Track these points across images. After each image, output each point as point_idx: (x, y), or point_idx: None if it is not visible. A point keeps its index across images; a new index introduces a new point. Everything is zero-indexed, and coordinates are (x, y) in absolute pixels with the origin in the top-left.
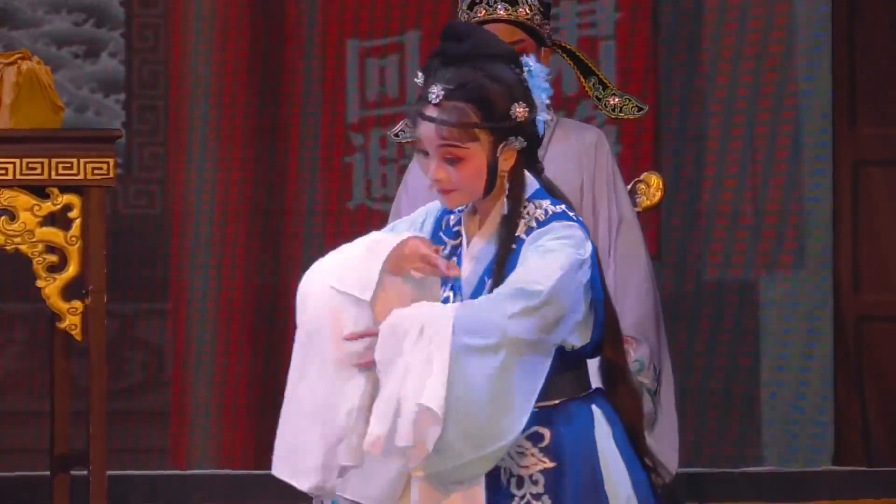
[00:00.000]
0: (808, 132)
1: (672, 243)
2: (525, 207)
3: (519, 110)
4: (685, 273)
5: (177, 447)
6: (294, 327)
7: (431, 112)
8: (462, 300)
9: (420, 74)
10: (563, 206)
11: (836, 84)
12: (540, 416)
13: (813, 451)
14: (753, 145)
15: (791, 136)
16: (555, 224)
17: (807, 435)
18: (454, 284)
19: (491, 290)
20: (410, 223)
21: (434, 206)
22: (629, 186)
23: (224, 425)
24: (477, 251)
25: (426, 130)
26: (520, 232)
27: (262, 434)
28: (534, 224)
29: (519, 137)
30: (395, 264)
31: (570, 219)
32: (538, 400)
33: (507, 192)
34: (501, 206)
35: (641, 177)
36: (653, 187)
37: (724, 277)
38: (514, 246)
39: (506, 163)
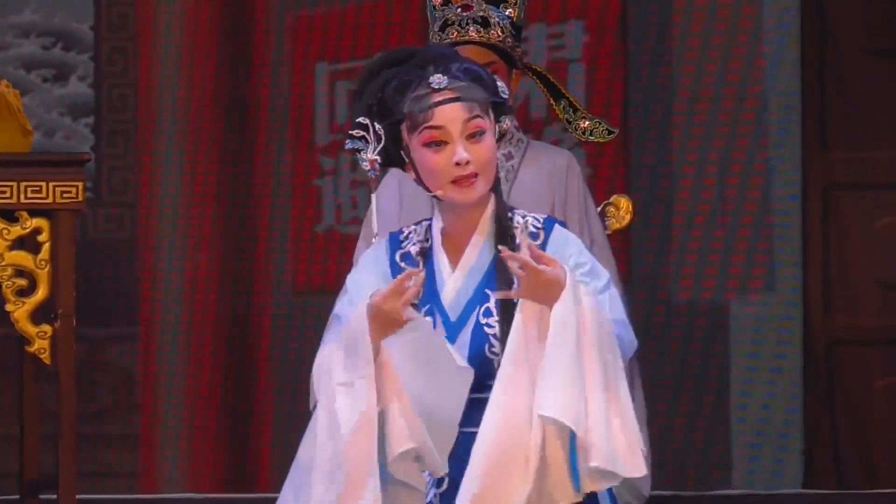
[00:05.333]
0: (779, 155)
1: (642, 266)
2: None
3: (504, 88)
4: (655, 296)
5: (147, 471)
6: (262, 349)
7: (447, 95)
8: (445, 319)
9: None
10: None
11: (806, 107)
12: None
13: (783, 474)
14: (722, 168)
15: (761, 160)
16: (573, 238)
17: (777, 458)
18: (432, 305)
19: (498, 301)
20: (370, 274)
21: (376, 251)
22: (599, 209)
23: (194, 449)
24: (469, 265)
25: (449, 113)
26: (520, 241)
27: (232, 458)
28: (532, 230)
29: (508, 117)
30: (382, 331)
31: (563, 224)
32: None
33: (492, 185)
34: (487, 216)
35: (611, 199)
36: (622, 210)
37: (694, 300)
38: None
39: (497, 150)
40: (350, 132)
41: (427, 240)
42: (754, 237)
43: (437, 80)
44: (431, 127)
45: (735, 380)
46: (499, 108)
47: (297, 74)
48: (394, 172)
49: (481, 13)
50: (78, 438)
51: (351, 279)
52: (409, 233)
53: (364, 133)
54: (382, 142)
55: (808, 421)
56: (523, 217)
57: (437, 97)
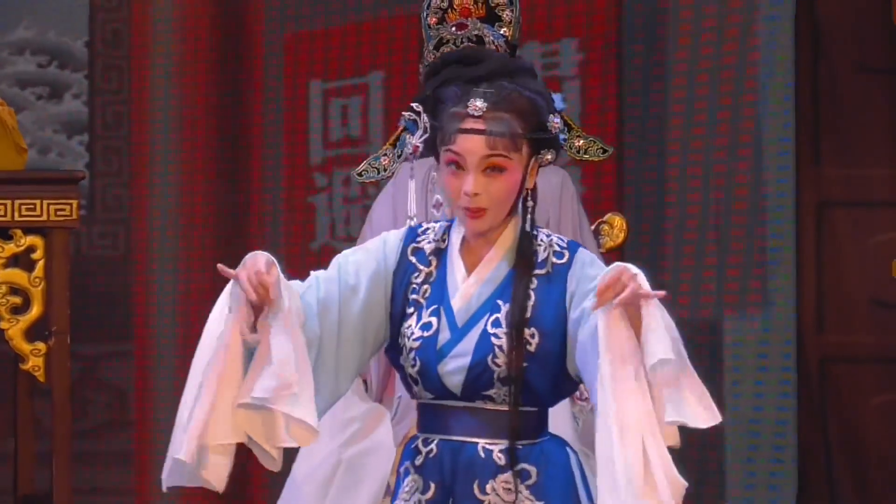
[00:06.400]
0: (772, 173)
1: None
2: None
3: (556, 122)
4: None
5: (141, 488)
6: None
7: (476, 125)
8: (451, 322)
9: (417, 106)
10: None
11: (799, 124)
12: (524, 453)
13: (777, 492)
14: (716, 186)
15: (754, 177)
16: (597, 260)
17: (770, 476)
18: (440, 307)
19: (511, 314)
20: (365, 252)
21: (389, 235)
22: (593, 227)
23: None
24: (486, 273)
25: (470, 143)
26: (544, 258)
27: None
28: (557, 249)
29: (551, 150)
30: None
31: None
32: (526, 437)
33: (530, 209)
34: (510, 231)
35: (605, 218)
36: (616, 228)
37: (687, 318)
38: (548, 270)
39: (531, 179)
40: (404, 112)
41: (444, 240)
42: (747, 255)
43: (475, 106)
44: (451, 150)
45: (728, 397)
46: (546, 140)
47: (292, 91)
48: (388, 187)
49: (476, 32)
50: (72, 455)
51: (346, 252)
52: (427, 229)
53: (416, 118)
54: (428, 133)
55: (802, 439)
56: (548, 236)
57: (467, 124)
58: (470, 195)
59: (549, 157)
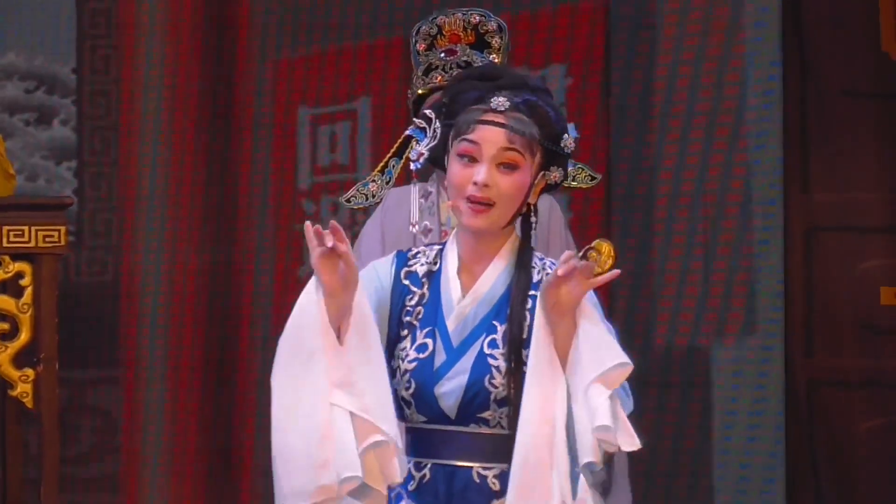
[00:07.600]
0: (759, 198)
1: (622, 309)
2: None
3: (569, 141)
4: (635, 339)
5: None
6: (246, 394)
7: (497, 118)
8: (446, 343)
9: (432, 111)
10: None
11: (788, 149)
12: (504, 477)
13: None
14: (703, 211)
15: (741, 202)
16: None
17: (758, 501)
18: (434, 328)
19: (507, 336)
20: (362, 282)
21: (377, 262)
22: (580, 254)
23: (175, 492)
24: (482, 293)
25: (489, 133)
26: (538, 279)
27: (213, 500)
28: (549, 271)
29: (560, 169)
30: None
31: None
32: (501, 461)
33: (533, 225)
34: (507, 248)
35: (593, 244)
36: (604, 254)
37: (674, 343)
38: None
39: (535, 194)
40: (415, 119)
41: (436, 263)
42: (735, 279)
43: (497, 102)
44: (468, 140)
45: (716, 423)
46: (557, 156)
47: (280, 118)
48: (376, 213)
49: (465, 58)
50: (60, 481)
51: None
52: (418, 253)
53: (426, 126)
54: (437, 139)
55: (791, 464)
56: (541, 259)
57: (488, 116)
58: (480, 185)
59: (556, 174)
